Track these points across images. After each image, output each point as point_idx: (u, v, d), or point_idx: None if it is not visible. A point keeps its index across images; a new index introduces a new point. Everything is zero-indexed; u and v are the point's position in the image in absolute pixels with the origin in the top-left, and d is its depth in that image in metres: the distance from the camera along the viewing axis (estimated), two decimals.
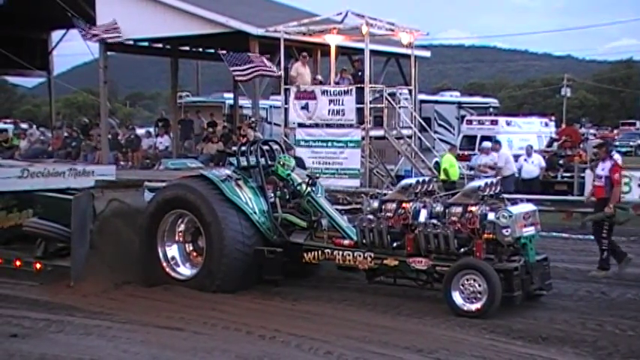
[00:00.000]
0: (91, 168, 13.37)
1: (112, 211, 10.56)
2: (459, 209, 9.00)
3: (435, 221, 9.04)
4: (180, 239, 10.33)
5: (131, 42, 24.12)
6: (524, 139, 23.35)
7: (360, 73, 19.08)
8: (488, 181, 9.64)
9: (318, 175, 11.48)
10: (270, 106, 26.90)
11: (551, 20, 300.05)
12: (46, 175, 12.16)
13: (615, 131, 56.73)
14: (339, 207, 11.90)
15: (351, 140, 18.16)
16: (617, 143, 35.14)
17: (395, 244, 9.31)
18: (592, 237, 14.14)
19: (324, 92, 18.58)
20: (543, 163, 19.21)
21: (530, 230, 8.98)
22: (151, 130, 27.92)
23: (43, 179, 11.99)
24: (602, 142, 12.06)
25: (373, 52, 19.75)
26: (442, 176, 17.96)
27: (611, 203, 10.85)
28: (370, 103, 18.51)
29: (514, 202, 9.35)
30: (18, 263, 10.90)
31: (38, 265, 10.71)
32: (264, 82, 21.80)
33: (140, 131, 28.13)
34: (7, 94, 72.88)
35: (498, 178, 12.17)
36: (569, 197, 16.87)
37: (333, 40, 19.87)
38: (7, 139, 27.87)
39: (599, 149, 11.63)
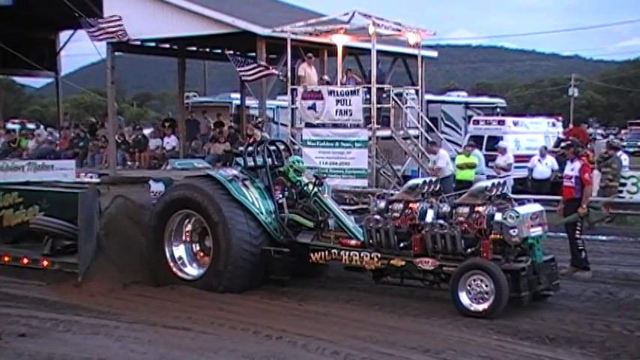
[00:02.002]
0: (50, 162, 13.52)
1: (118, 207, 10.58)
2: (466, 209, 8.99)
3: (441, 221, 9.04)
4: (187, 239, 10.35)
5: (138, 42, 24.16)
6: (531, 140, 23.29)
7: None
8: (496, 181, 9.63)
9: (325, 175, 11.48)
10: (277, 107, 26.90)
11: (559, 20, 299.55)
12: (5, 169, 12.28)
13: (623, 131, 56.53)
14: (346, 207, 11.91)
15: (359, 140, 18.13)
16: (624, 143, 34.96)
17: (402, 245, 9.30)
18: (600, 237, 14.22)
19: (331, 92, 18.57)
20: (556, 166, 19.01)
21: (537, 230, 8.96)
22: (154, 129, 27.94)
23: (2, 173, 12.09)
24: (570, 142, 12.01)
25: (380, 53, 19.72)
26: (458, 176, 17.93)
27: (584, 203, 10.79)
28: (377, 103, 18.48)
29: (521, 202, 9.33)
30: (25, 261, 10.95)
31: (45, 263, 10.75)
32: (271, 82, 21.80)
33: (147, 131, 28.16)
34: (15, 95, 73.06)
35: (507, 178, 12.12)
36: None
37: (340, 41, 19.85)
38: (15, 139, 27.97)
39: (567, 150, 11.56)
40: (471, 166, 18.10)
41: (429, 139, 20.46)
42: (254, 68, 19.66)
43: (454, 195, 10.05)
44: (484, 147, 22.46)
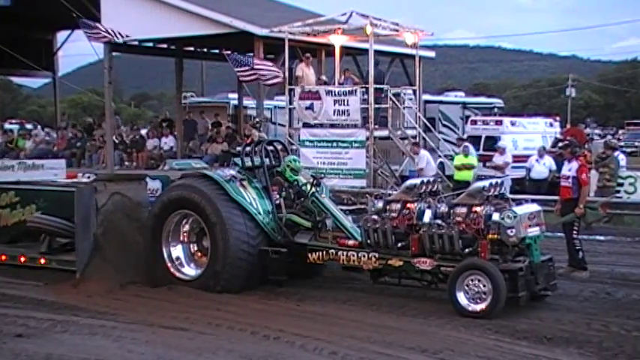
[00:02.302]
0: (40, 162, 13.59)
1: (115, 204, 10.57)
2: (464, 210, 8.99)
3: (439, 221, 9.04)
4: (185, 239, 10.35)
5: (136, 42, 24.15)
6: (529, 140, 23.32)
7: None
8: (493, 181, 9.63)
9: (322, 175, 11.48)
10: (275, 107, 26.90)
11: (556, 20, 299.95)
12: None
13: (620, 131, 56.59)
14: (344, 207, 11.90)
15: (356, 140, 18.14)
16: (622, 144, 35.02)
17: (399, 245, 9.30)
18: (597, 237, 14.23)
19: (328, 92, 18.58)
20: (554, 166, 19.04)
21: (535, 230, 8.96)
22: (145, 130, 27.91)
23: None
24: (567, 143, 12.03)
25: (378, 53, 19.73)
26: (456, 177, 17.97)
27: (581, 204, 10.80)
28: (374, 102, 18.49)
29: (519, 202, 9.34)
30: (22, 259, 10.97)
31: (43, 261, 10.76)
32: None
33: (144, 131, 28.15)
34: (12, 95, 72.99)
35: (505, 178, 12.13)
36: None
37: (338, 41, 19.86)
38: (12, 139, 27.92)
39: (564, 150, 11.59)
40: (469, 167, 18.11)
41: (427, 139, 20.50)
42: (253, 71, 19.60)
43: (452, 195, 10.05)
44: (482, 147, 22.51)
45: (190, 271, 10.21)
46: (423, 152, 18.03)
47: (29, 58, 27.48)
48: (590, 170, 15.04)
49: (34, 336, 7.98)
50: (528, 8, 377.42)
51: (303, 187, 10.30)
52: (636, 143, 45.05)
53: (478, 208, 8.90)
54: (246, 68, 19.59)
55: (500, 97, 42.69)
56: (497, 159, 19.44)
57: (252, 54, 21.37)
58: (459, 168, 18.15)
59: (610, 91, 78.24)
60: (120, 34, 21.49)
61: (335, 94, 18.46)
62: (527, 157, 20.58)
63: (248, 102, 26.31)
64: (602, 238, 14.49)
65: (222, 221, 9.66)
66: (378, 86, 18.52)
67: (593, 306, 9.12)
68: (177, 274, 10.16)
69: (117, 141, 25.02)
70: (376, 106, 18.41)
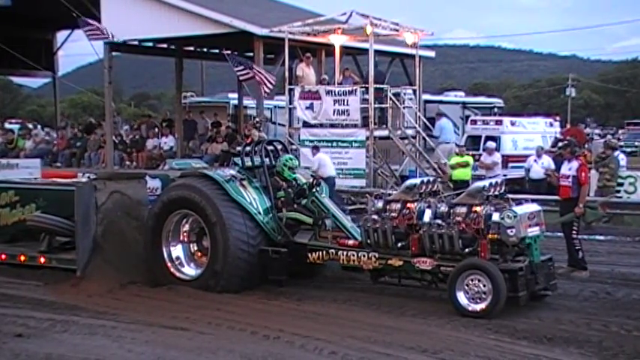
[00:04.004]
0: (15, 161, 13.59)
1: (114, 203, 10.57)
2: (464, 209, 8.99)
3: (439, 221, 9.03)
4: (185, 239, 10.34)
5: (136, 42, 24.16)
6: (528, 139, 23.31)
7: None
8: (493, 181, 9.63)
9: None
10: (275, 107, 26.91)
11: (556, 20, 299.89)
12: None
13: (620, 131, 56.61)
14: (345, 207, 11.90)
15: (356, 140, 18.16)
16: (622, 143, 35.00)
17: (399, 245, 9.30)
18: (597, 237, 14.23)
19: (328, 92, 18.60)
20: (553, 166, 19.04)
21: (534, 230, 8.96)
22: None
23: None
24: (567, 142, 12.03)
25: (378, 53, 19.73)
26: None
27: (580, 203, 10.81)
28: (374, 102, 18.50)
29: (519, 202, 9.33)
30: (22, 258, 10.97)
31: (42, 260, 10.75)
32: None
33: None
34: (12, 95, 72.93)
35: (503, 178, 12.10)
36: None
37: (338, 41, 19.88)
38: (12, 139, 27.90)
39: (564, 150, 11.59)
40: (464, 165, 18.13)
41: (427, 138, 20.52)
42: (251, 72, 19.62)
43: (452, 195, 10.06)
44: (482, 147, 22.50)
45: (190, 270, 10.21)
46: (318, 155, 17.26)
47: (29, 58, 27.48)
48: (591, 170, 15.04)
49: (34, 336, 7.98)
50: (528, 8, 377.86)
51: (303, 185, 10.29)
52: (636, 143, 45.02)
53: (478, 208, 8.90)
54: (245, 67, 19.61)
55: (500, 97, 42.69)
56: (486, 159, 19.51)
57: (252, 54, 21.39)
58: (453, 167, 18.18)
59: (610, 91, 78.27)
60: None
61: (335, 94, 18.48)
62: (527, 157, 20.60)
63: (248, 102, 26.30)
64: (602, 237, 14.49)
65: (222, 221, 9.65)
66: (378, 86, 18.53)
67: (593, 306, 9.12)
68: (177, 274, 10.15)
69: (117, 141, 25.02)
70: (376, 105, 18.42)
